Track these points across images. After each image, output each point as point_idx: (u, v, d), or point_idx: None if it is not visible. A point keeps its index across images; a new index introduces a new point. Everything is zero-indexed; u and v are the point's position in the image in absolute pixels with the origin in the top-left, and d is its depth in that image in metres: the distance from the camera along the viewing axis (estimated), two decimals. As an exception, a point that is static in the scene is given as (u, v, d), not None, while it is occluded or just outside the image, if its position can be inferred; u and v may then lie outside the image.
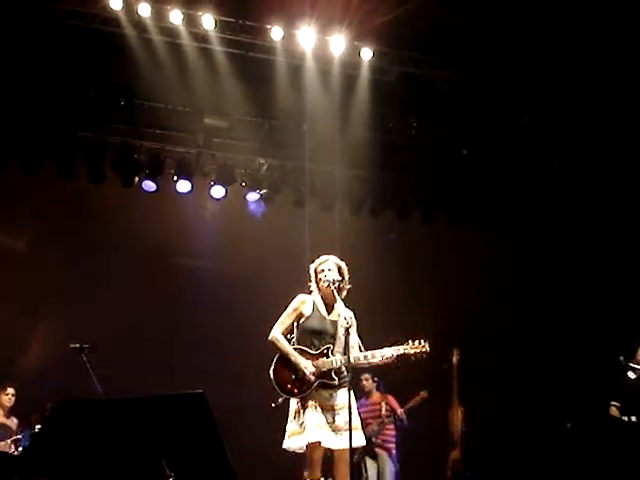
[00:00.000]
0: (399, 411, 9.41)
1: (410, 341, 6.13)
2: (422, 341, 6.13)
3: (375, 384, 9.51)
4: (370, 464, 9.30)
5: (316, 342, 6.13)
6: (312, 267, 6.36)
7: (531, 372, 11.14)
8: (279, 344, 6.15)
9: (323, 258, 6.34)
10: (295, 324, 6.25)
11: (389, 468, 9.35)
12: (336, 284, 6.13)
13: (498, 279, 11.47)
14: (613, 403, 8.01)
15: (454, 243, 11.56)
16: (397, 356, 6.08)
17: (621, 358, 7.93)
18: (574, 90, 10.73)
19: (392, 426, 9.48)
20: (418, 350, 6.11)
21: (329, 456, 6.01)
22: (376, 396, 9.52)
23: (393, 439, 9.48)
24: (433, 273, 11.37)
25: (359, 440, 6.02)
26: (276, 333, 6.18)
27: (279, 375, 6.10)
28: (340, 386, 6.04)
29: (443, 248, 11.48)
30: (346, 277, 6.30)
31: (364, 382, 9.38)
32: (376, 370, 8.57)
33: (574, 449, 4.74)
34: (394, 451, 9.45)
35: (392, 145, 11.17)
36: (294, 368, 6.06)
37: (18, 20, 9.18)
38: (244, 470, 4.53)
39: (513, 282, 11.62)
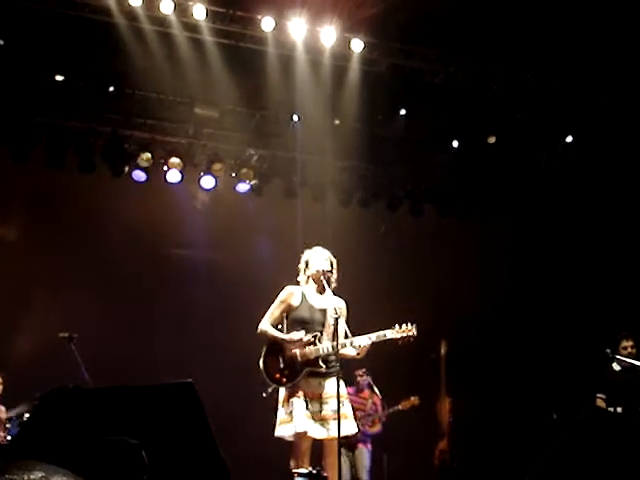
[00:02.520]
0: (382, 412, 9.38)
1: (397, 325, 6.13)
2: (409, 325, 6.14)
3: (368, 379, 9.48)
4: (344, 457, 9.26)
5: (304, 331, 6.17)
6: (307, 254, 6.39)
7: (518, 364, 11.20)
8: (268, 333, 6.20)
9: (319, 249, 6.37)
10: (285, 315, 6.29)
11: (366, 463, 9.35)
12: (327, 275, 6.17)
13: (486, 271, 11.52)
14: (599, 395, 8.06)
15: (443, 235, 11.61)
16: (384, 341, 6.09)
17: (607, 350, 7.98)
18: (564, 82, 10.77)
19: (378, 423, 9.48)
20: (405, 334, 6.10)
21: (319, 446, 6.06)
22: (366, 392, 9.53)
23: (369, 437, 9.48)
24: (422, 264, 11.41)
25: (350, 429, 6.06)
26: (264, 325, 6.23)
27: (268, 365, 6.15)
28: (329, 375, 6.07)
29: (432, 240, 11.53)
30: (334, 273, 6.34)
31: (358, 378, 9.38)
32: (366, 362, 8.62)
33: (560, 440, 4.78)
34: (370, 447, 9.45)
35: (382, 136, 11.19)
36: (281, 357, 6.10)
37: (8, 8, 9.13)
38: (234, 460, 4.55)
39: (502, 274, 11.67)
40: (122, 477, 3.00)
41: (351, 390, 9.10)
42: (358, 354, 6.13)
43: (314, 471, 5.70)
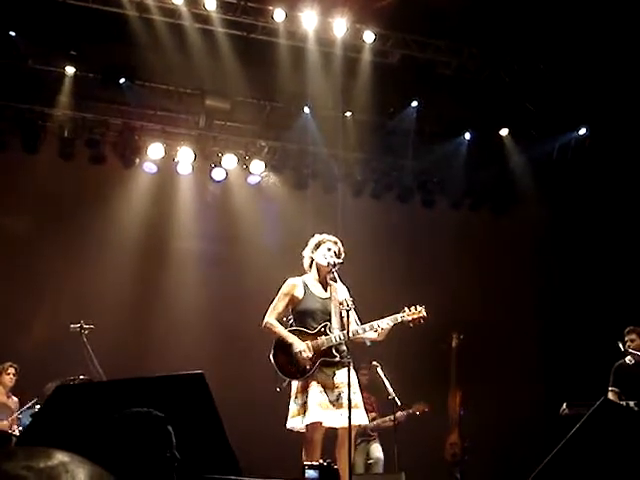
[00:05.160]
0: (399, 414, 9.34)
1: (406, 308, 6.14)
2: (418, 307, 6.15)
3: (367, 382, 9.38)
4: (359, 450, 9.25)
5: (313, 322, 6.15)
6: (318, 238, 6.34)
7: (529, 356, 11.17)
8: (274, 329, 6.17)
9: (332, 238, 6.33)
10: (290, 308, 6.27)
11: (381, 455, 9.36)
12: (336, 267, 6.14)
13: (498, 262, 11.49)
14: (612, 388, 8.02)
15: (455, 227, 11.57)
16: (395, 324, 6.09)
17: (619, 344, 7.93)
18: (577, 73, 10.70)
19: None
20: (415, 316, 6.13)
21: (331, 437, 6.04)
22: (366, 392, 9.42)
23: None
24: (433, 256, 11.37)
25: (361, 418, 6.04)
26: (269, 319, 6.21)
27: (279, 359, 6.12)
28: (342, 364, 6.04)
29: (444, 231, 11.48)
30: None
31: (360, 377, 9.21)
32: (374, 355, 8.59)
33: (572, 433, 4.74)
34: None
35: (393, 128, 11.14)
36: (292, 351, 6.08)
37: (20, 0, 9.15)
38: (244, 450, 4.55)
39: (514, 265, 11.64)
40: (146, 451, 2.95)
41: None
42: (378, 335, 6.08)
43: (324, 463, 5.68)
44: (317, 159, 11.08)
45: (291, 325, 6.24)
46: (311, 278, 6.34)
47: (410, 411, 9.40)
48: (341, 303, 6.10)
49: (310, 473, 5.24)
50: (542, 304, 11.71)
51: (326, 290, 6.30)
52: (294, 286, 6.28)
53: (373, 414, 9.28)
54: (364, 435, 9.18)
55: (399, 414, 9.27)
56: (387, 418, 9.27)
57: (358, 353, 6.74)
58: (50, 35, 9.49)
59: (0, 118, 9.81)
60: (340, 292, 6.17)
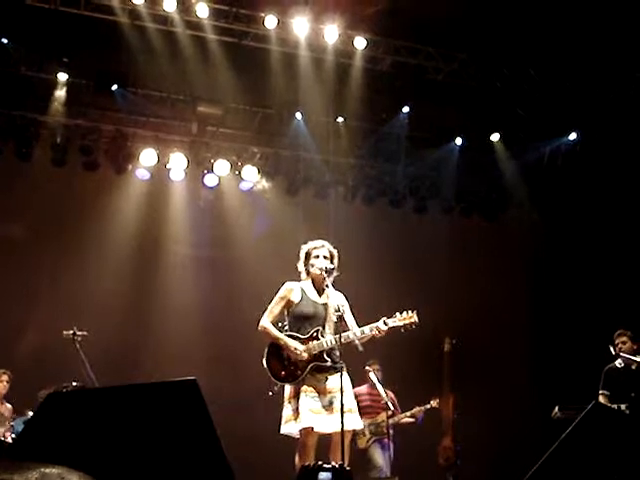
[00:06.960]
0: (416, 409, 9.37)
1: (398, 313, 6.16)
2: (410, 312, 6.17)
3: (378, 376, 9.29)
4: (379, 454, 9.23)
5: (307, 327, 6.16)
6: (305, 248, 6.36)
7: (522, 360, 11.20)
8: (268, 331, 6.18)
9: (318, 243, 6.34)
10: (286, 311, 6.29)
11: (389, 456, 9.35)
12: (327, 272, 6.16)
13: (490, 267, 11.52)
14: (602, 392, 8.05)
15: (447, 232, 11.60)
16: (387, 329, 6.10)
17: (610, 347, 7.97)
18: (567, 79, 10.75)
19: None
20: (407, 321, 6.13)
21: (325, 441, 6.04)
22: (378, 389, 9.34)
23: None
24: (426, 261, 11.40)
25: (354, 423, 6.04)
26: (264, 322, 6.21)
27: (272, 364, 6.12)
28: (334, 369, 6.04)
29: (436, 236, 11.51)
30: (335, 265, 6.33)
31: (375, 373, 9.10)
32: (369, 358, 8.61)
33: (564, 437, 4.77)
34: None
35: (385, 134, 11.18)
36: (285, 354, 6.10)
37: (11, 7, 9.15)
38: (238, 456, 4.56)
39: (505, 270, 11.67)
40: None
41: (363, 389, 9.01)
42: (371, 334, 6.09)
43: (337, 465, 5.66)
44: (309, 165, 11.11)
45: (286, 330, 6.25)
46: (308, 284, 6.36)
47: (429, 406, 9.43)
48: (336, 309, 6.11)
49: (324, 475, 5.23)
50: (534, 308, 11.74)
51: (322, 296, 6.32)
52: (291, 290, 6.30)
53: (389, 411, 9.22)
54: (377, 434, 9.13)
55: (416, 409, 9.33)
56: (403, 415, 9.30)
57: (365, 353, 6.74)
58: (43, 42, 9.51)
59: (-7, 125, 9.83)
60: (335, 298, 6.18)
